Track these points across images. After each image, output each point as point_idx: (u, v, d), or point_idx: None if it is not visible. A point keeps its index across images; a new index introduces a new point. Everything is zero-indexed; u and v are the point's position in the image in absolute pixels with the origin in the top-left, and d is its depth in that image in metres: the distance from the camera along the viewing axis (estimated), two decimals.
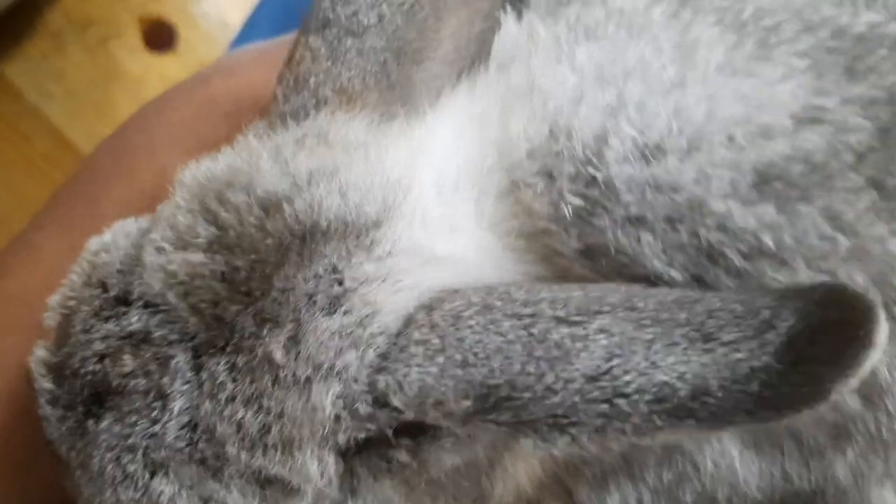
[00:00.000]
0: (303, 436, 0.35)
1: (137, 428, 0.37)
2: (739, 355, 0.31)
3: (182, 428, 0.36)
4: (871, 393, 0.37)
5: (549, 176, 0.36)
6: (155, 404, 0.37)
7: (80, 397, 0.38)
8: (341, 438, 0.35)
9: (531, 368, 0.32)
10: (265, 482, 0.36)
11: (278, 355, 0.35)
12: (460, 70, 0.43)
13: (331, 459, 0.36)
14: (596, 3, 0.40)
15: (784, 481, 0.39)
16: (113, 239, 0.40)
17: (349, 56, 0.40)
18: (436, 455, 0.37)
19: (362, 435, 0.35)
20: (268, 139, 0.40)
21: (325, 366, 0.35)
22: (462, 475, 0.38)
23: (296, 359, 0.35)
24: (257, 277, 0.36)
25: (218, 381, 0.36)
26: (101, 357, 0.37)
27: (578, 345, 0.32)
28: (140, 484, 0.37)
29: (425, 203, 0.38)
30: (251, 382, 0.36)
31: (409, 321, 0.35)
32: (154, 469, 0.37)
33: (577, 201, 0.36)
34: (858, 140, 0.35)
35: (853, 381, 0.29)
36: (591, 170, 0.36)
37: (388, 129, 0.41)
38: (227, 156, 0.41)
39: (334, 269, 0.36)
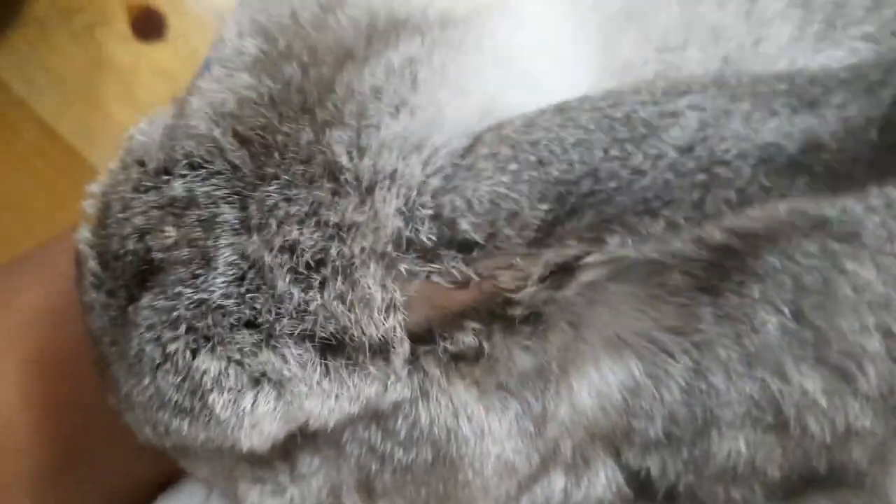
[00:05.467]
0: (364, 251, 0.33)
1: (181, 299, 0.34)
2: (851, 112, 0.28)
3: (229, 284, 0.33)
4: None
5: None
6: (200, 270, 0.34)
7: (122, 281, 0.36)
8: (403, 268, 0.33)
9: (615, 152, 0.30)
10: (325, 348, 0.34)
11: (342, 158, 0.33)
12: None
13: (396, 294, 0.33)
14: None
15: (804, 459, 0.38)
16: (150, 121, 0.38)
17: None
18: (507, 351, 0.35)
19: (424, 270, 0.33)
20: None
21: (389, 170, 0.33)
22: (529, 385, 0.36)
23: (360, 161, 0.33)
24: (313, 83, 0.34)
25: (268, 207, 0.33)
26: (142, 233, 0.35)
27: (668, 120, 0.30)
28: (182, 364, 0.34)
29: (524, 17, 0.36)
30: (308, 195, 0.33)
31: (475, 139, 0.33)
32: (197, 344, 0.34)
33: None
34: None
35: None
36: None
37: None
38: None
39: (411, 62, 0.34)
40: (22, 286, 0.55)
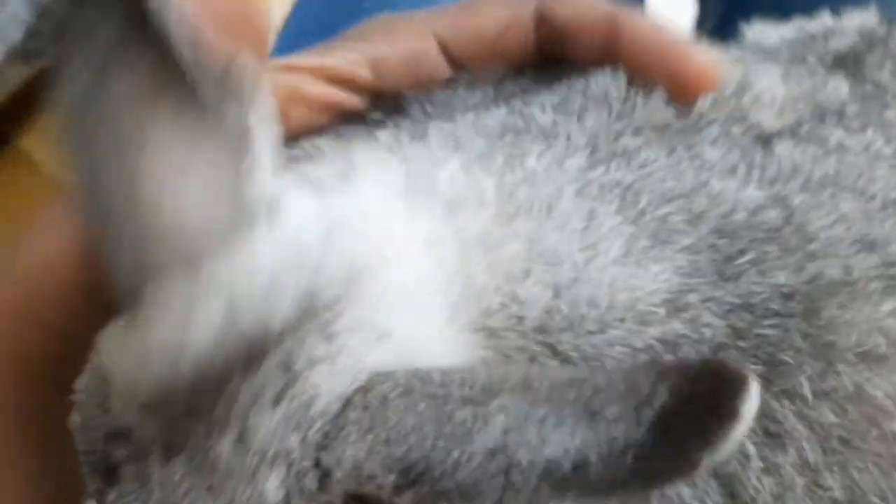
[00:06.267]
0: None
1: (127, 502, 0.40)
2: (618, 431, 0.33)
3: None
4: None
5: (519, 332, 0.40)
6: (141, 489, 0.40)
7: (97, 471, 0.42)
8: None
9: (441, 444, 0.35)
10: None
11: (226, 454, 0.38)
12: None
13: None
14: (517, 165, 0.43)
15: None
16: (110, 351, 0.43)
17: None
18: None
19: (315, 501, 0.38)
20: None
21: (270, 452, 0.38)
22: None
23: (243, 454, 0.38)
24: (202, 403, 0.39)
25: (177, 478, 0.39)
26: (105, 439, 0.41)
27: (479, 423, 0.35)
28: None
29: (394, 283, 0.41)
30: (205, 478, 0.39)
31: (346, 403, 0.38)
32: None
33: (550, 363, 0.40)
34: (713, 335, 0.39)
35: (720, 453, 0.31)
36: (544, 337, 0.40)
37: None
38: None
39: (286, 364, 0.39)
40: None
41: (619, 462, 0.33)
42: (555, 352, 0.40)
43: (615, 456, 0.33)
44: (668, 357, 0.39)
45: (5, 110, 1.33)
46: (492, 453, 0.35)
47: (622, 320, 0.40)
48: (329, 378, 0.39)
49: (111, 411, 0.41)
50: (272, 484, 0.38)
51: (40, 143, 1.39)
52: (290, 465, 0.38)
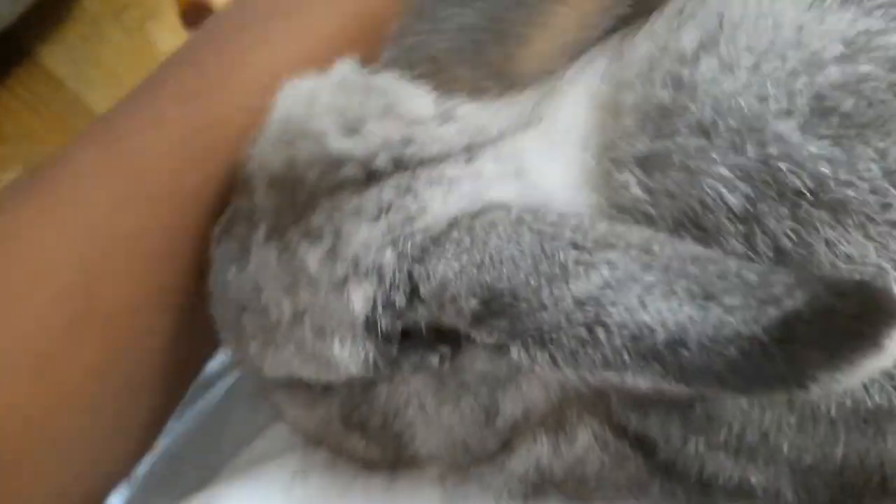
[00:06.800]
0: (334, 326, 0.37)
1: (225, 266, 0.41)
2: (731, 320, 0.29)
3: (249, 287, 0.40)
4: None
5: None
6: (242, 254, 0.40)
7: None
8: (381, 324, 0.37)
9: (532, 280, 0.33)
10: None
11: (313, 267, 0.37)
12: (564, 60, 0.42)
13: (368, 347, 0.37)
14: None
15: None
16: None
17: (448, 26, 0.41)
18: (469, 362, 0.38)
19: (398, 326, 0.37)
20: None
21: (363, 265, 0.37)
22: (485, 382, 0.40)
23: (333, 266, 0.37)
24: (305, 203, 0.38)
25: (270, 262, 0.39)
26: (241, 187, 0.42)
27: (580, 269, 0.33)
28: None
29: (550, 129, 0.40)
30: (290, 275, 0.38)
31: (452, 223, 0.36)
32: None
33: (664, 94, 0.36)
34: None
35: (842, 381, 0.27)
36: (681, 69, 0.36)
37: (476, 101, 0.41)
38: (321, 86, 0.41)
39: (408, 189, 0.37)
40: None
41: (719, 352, 0.29)
42: (692, 86, 0.36)
43: (718, 344, 0.29)
44: (851, 102, 0.34)
45: (25, 20, 1.26)
46: (582, 303, 0.32)
47: (783, 59, 0.35)
48: (443, 198, 0.37)
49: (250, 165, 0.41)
50: (360, 295, 0.37)
51: (62, 59, 1.32)
52: (381, 279, 0.36)
